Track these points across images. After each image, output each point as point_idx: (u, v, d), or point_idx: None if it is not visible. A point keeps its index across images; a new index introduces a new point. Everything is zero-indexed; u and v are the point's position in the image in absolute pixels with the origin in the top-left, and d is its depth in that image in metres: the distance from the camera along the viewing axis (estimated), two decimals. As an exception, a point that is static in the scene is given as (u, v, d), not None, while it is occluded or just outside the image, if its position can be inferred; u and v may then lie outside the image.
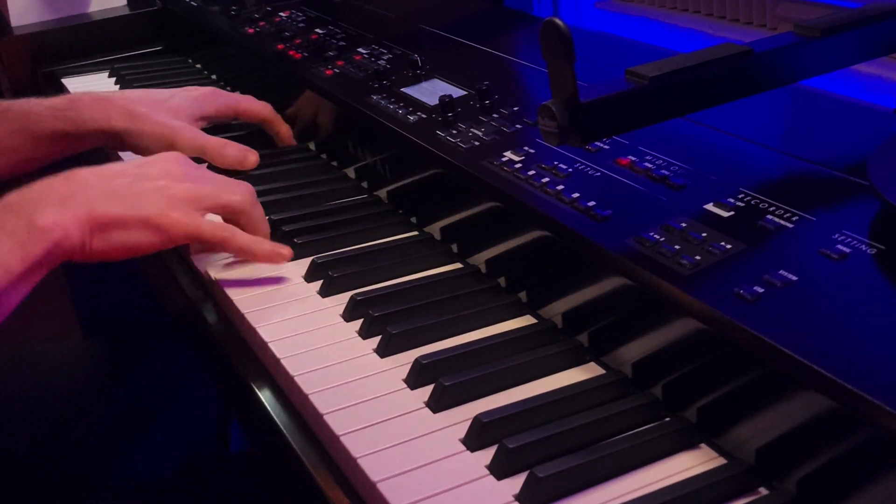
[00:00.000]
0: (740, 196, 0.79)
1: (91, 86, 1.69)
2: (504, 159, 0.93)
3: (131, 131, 1.18)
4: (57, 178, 0.91)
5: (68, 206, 0.88)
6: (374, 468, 0.70)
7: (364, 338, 0.87)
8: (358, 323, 0.89)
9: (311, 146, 1.32)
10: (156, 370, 1.40)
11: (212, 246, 0.98)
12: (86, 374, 1.38)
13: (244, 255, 0.98)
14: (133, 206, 0.91)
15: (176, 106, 1.23)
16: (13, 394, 1.29)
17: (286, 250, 0.98)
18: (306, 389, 0.80)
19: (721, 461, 0.70)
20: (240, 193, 0.98)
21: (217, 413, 1.47)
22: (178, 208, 0.93)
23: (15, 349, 1.45)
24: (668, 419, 0.73)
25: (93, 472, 1.24)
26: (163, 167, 0.97)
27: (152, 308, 1.30)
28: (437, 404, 0.77)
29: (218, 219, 0.99)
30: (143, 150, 1.18)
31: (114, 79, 1.70)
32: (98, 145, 1.23)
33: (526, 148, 0.94)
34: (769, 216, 0.75)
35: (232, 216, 0.98)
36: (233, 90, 1.58)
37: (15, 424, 1.25)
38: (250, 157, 1.19)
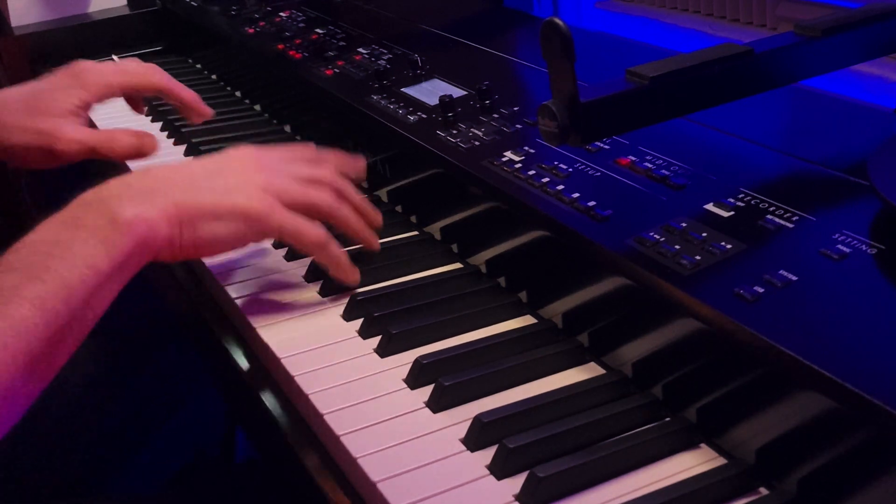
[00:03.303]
0: (740, 196, 0.79)
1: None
2: (504, 159, 0.93)
3: (46, 149, 1.08)
4: (132, 175, 0.87)
5: (151, 199, 0.82)
6: (374, 468, 0.70)
7: (364, 338, 0.87)
8: (358, 323, 0.89)
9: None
10: (158, 375, 1.39)
11: (304, 248, 0.91)
12: (87, 378, 1.37)
13: (330, 265, 0.92)
14: (222, 196, 0.86)
15: (48, 103, 1.10)
16: None
17: (357, 273, 0.93)
18: (306, 389, 0.80)
19: (721, 461, 0.70)
20: (325, 192, 0.92)
21: (222, 420, 1.47)
22: (267, 199, 0.87)
23: None
24: (668, 419, 0.73)
25: (95, 478, 1.23)
26: (239, 160, 0.91)
27: (154, 310, 1.29)
28: (437, 404, 0.77)
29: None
30: (22, 161, 1.10)
31: (114, 79, 1.70)
32: None
33: (526, 148, 0.94)
34: (769, 216, 0.75)
35: (318, 216, 0.92)
36: (233, 90, 1.59)
37: (15, 430, 1.25)
38: (146, 140, 1.11)
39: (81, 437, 1.24)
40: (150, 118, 1.49)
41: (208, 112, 1.22)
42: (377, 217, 0.98)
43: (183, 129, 1.40)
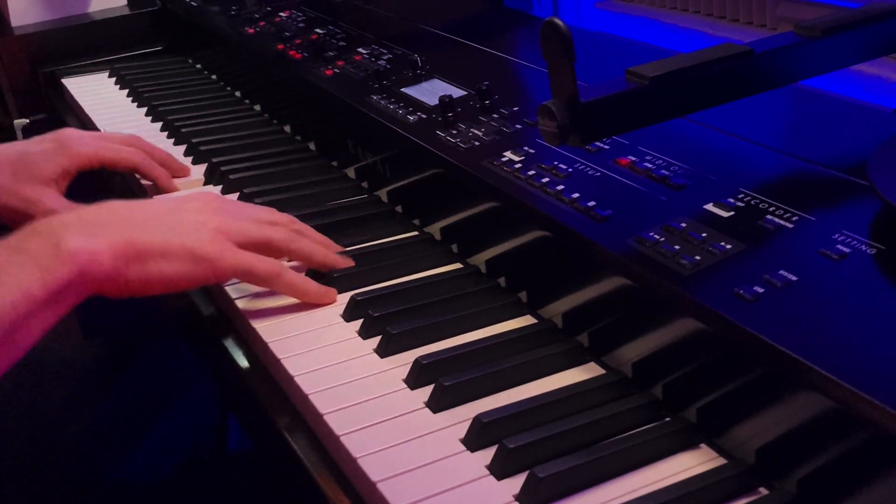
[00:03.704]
0: (740, 196, 0.79)
1: (91, 86, 1.69)
2: (504, 159, 0.93)
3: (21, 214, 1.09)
4: (89, 207, 0.87)
5: (101, 232, 0.83)
6: (374, 468, 0.70)
7: (364, 338, 0.87)
8: (358, 323, 0.89)
9: (311, 146, 1.32)
10: (154, 368, 1.39)
11: (260, 282, 0.92)
12: (84, 374, 1.37)
13: (292, 295, 0.93)
14: (174, 235, 0.86)
15: (33, 169, 1.14)
16: (12, 394, 1.29)
17: (332, 293, 0.94)
18: (306, 389, 0.80)
19: (721, 461, 0.70)
20: (281, 229, 0.94)
21: (216, 409, 1.47)
22: (220, 241, 0.88)
23: None
24: (668, 419, 0.73)
25: (91, 471, 1.24)
26: (198, 202, 0.93)
27: (152, 308, 1.29)
28: (437, 404, 0.77)
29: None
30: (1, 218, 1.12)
31: (114, 79, 1.71)
32: None
33: (526, 148, 0.94)
34: (769, 216, 0.75)
35: (276, 252, 0.94)
36: (233, 90, 1.59)
37: (13, 423, 1.25)
38: None
39: (78, 429, 1.24)
40: (150, 118, 1.49)
41: (185, 170, 1.26)
42: (336, 250, 0.99)
43: (183, 130, 1.40)
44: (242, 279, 0.92)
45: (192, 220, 0.89)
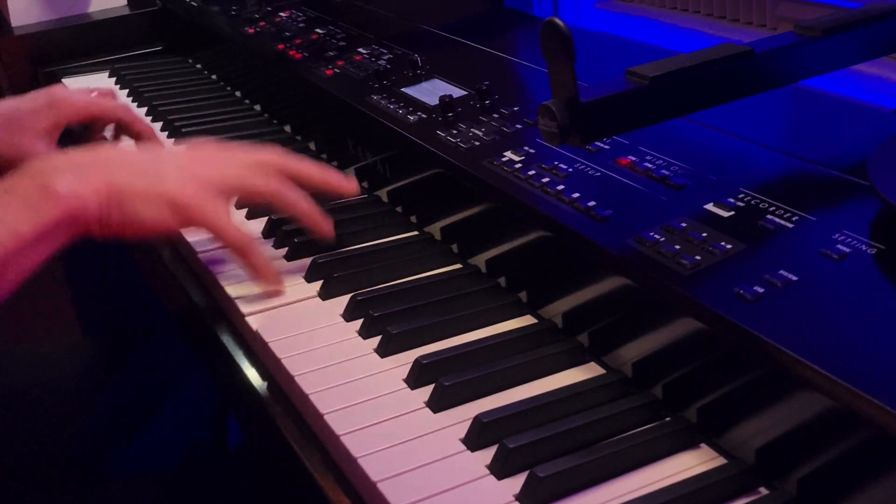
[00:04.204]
0: (740, 196, 0.79)
1: (91, 86, 1.69)
2: (504, 159, 0.93)
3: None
4: (78, 151, 0.91)
5: (88, 174, 0.87)
6: (374, 468, 0.70)
7: (364, 338, 0.87)
8: (358, 323, 0.89)
9: (312, 146, 1.32)
10: (153, 364, 1.41)
11: (225, 245, 0.95)
12: (84, 370, 1.38)
13: (248, 271, 0.95)
14: (156, 182, 0.89)
15: (26, 122, 1.21)
16: (11, 391, 1.30)
17: (281, 284, 0.96)
18: (306, 389, 0.80)
19: (721, 461, 0.70)
20: (268, 176, 0.95)
21: (215, 404, 1.49)
22: (201, 190, 0.91)
23: (13, 347, 1.46)
24: (668, 419, 0.73)
25: (90, 465, 1.25)
26: (188, 152, 0.96)
27: (151, 306, 1.30)
28: (437, 404, 0.77)
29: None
30: None
31: (114, 79, 1.71)
32: None
33: (526, 148, 0.94)
34: (769, 216, 0.75)
35: (262, 201, 0.96)
36: (233, 90, 1.59)
37: (13, 418, 1.26)
38: None
39: (76, 426, 1.26)
40: (150, 118, 1.49)
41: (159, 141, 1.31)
42: (348, 185, 1.00)
43: (183, 129, 1.40)
44: (212, 235, 0.95)
45: (176, 168, 0.91)
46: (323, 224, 0.97)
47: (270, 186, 0.94)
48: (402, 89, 1.15)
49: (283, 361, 0.84)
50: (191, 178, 0.91)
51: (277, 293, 0.95)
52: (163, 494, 1.19)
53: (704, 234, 0.74)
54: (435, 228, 1.03)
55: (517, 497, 0.67)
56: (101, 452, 1.26)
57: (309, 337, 0.88)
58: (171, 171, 0.91)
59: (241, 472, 1.25)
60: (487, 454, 0.71)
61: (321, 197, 1.15)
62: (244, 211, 1.14)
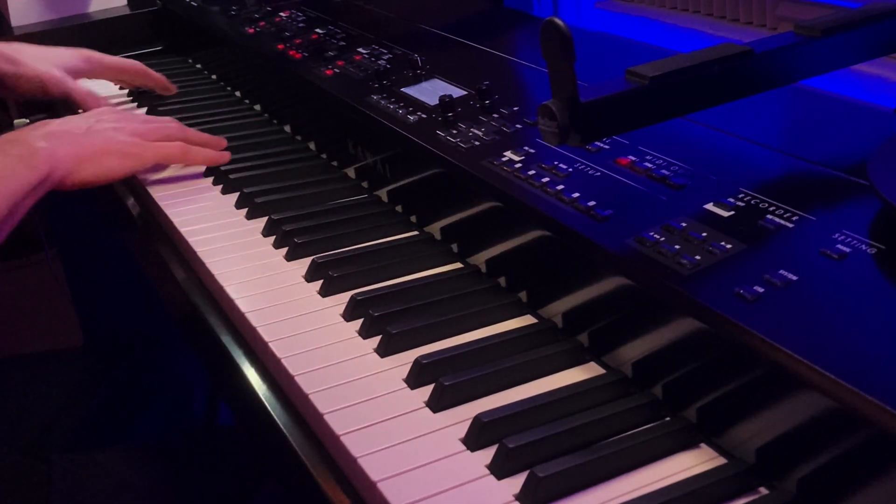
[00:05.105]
0: (740, 196, 0.79)
1: (92, 86, 1.69)
2: (504, 159, 0.93)
3: (8, 73, 1.43)
4: (50, 122, 1.15)
5: (60, 141, 1.11)
6: (374, 468, 0.70)
7: (364, 338, 0.87)
8: (358, 323, 0.89)
9: (312, 146, 1.32)
10: (150, 359, 1.45)
11: (176, 160, 1.24)
12: (83, 369, 1.43)
13: (200, 162, 1.25)
14: (107, 140, 1.17)
15: (54, 57, 1.47)
16: (11, 389, 1.34)
17: (226, 153, 1.26)
18: (306, 389, 0.80)
19: (721, 461, 0.70)
20: (172, 125, 1.26)
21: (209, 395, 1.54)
22: (137, 140, 1.19)
23: (14, 350, 1.49)
24: (668, 419, 0.73)
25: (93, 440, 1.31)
26: (111, 115, 1.24)
27: (152, 309, 1.32)
28: (437, 404, 0.77)
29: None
30: (18, 90, 1.44)
31: (114, 79, 1.70)
32: None
33: (526, 148, 0.94)
34: (769, 216, 0.75)
35: (174, 139, 1.24)
36: (233, 90, 1.59)
37: (13, 419, 1.30)
38: (102, 101, 1.48)
39: (78, 409, 1.40)
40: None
41: (172, 88, 1.59)
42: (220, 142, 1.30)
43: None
44: (164, 162, 1.25)
45: (112, 128, 1.20)
46: (217, 144, 1.27)
47: (174, 129, 1.25)
48: (402, 89, 1.15)
49: (284, 361, 0.84)
50: (127, 133, 1.19)
51: (226, 157, 1.26)
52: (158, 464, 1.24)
53: (704, 234, 0.74)
54: (435, 228, 1.03)
55: (517, 497, 0.67)
56: (97, 441, 1.36)
57: (309, 337, 0.88)
58: (111, 131, 1.18)
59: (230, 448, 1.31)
60: (487, 454, 0.71)
61: (321, 197, 1.15)
62: (244, 211, 1.14)
